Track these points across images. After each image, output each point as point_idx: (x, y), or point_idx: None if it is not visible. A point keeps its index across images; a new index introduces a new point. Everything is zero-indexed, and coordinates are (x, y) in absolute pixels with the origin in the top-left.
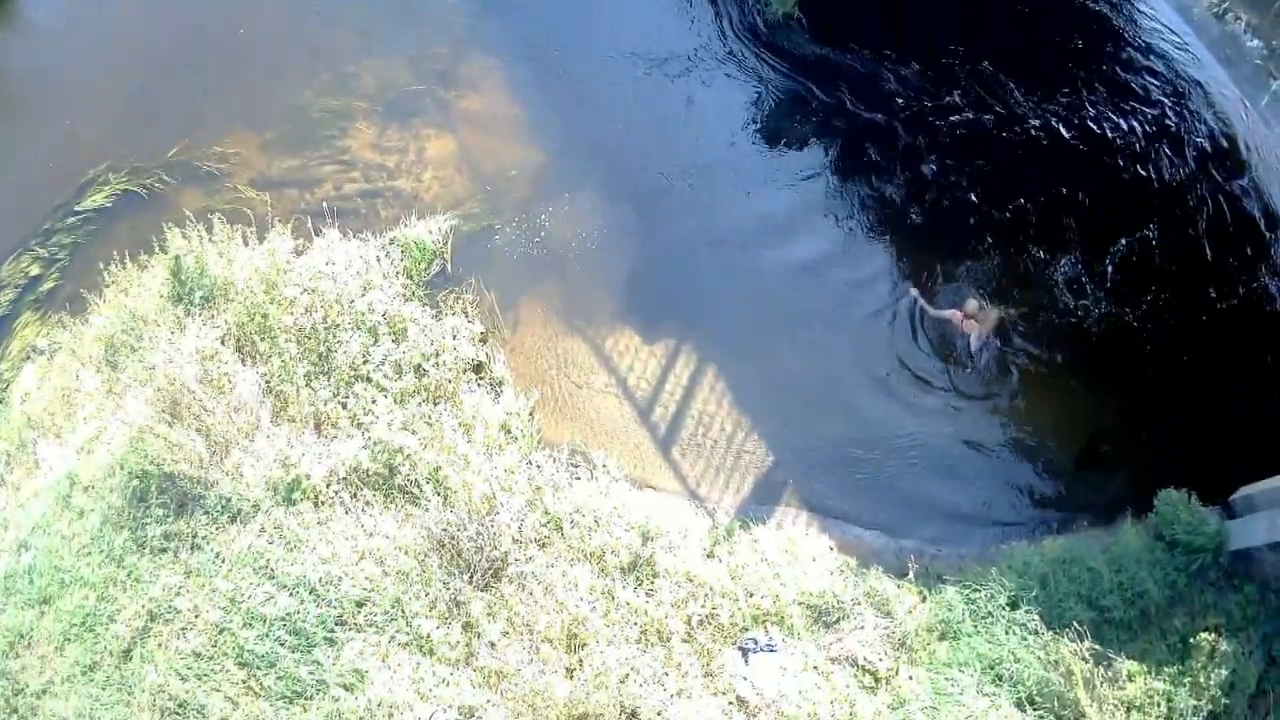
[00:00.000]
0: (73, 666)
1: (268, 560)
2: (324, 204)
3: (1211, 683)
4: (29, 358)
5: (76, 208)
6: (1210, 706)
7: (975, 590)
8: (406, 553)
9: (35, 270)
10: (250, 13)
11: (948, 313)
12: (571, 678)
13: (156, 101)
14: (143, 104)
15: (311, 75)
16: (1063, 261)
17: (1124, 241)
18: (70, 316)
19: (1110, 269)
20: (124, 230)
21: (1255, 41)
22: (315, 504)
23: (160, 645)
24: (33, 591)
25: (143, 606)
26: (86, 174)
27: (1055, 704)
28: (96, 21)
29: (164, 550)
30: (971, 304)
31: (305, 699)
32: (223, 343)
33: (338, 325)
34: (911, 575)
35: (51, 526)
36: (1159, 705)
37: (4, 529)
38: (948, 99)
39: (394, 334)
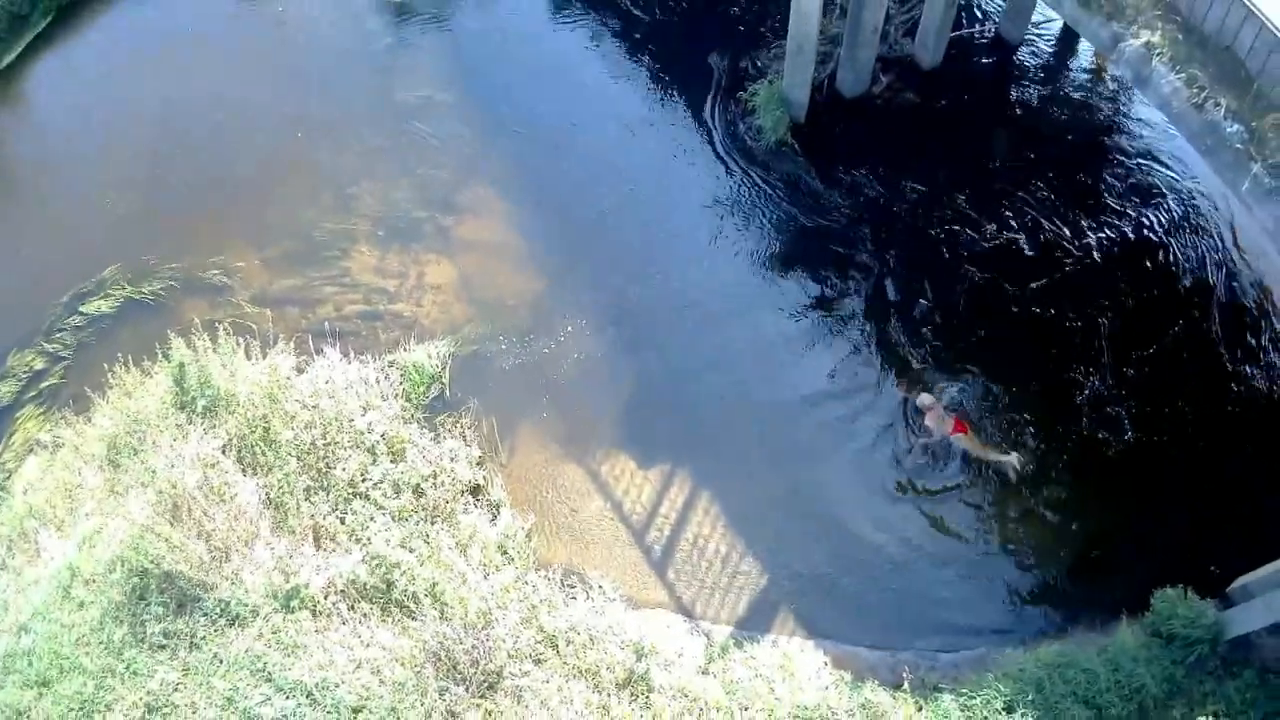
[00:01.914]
0: None
1: (265, 664)
2: (325, 323)
3: None
4: (32, 450)
5: (81, 309)
6: None
7: (971, 698)
8: (403, 664)
9: (39, 365)
10: (255, 133)
11: (930, 424)
12: None
13: (162, 209)
14: (149, 210)
15: (314, 196)
16: (1057, 372)
17: (1118, 350)
18: (74, 414)
19: (1101, 378)
20: (127, 334)
21: (1235, 126)
22: (313, 613)
23: None
24: (31, 673)
25: (140, 699)
26: (93, 275)
27: None
28: (105, 120)
29: (163, 647)
30: (924, 398)
31: None
32: (224, 452)
33: (337, 443)
34: (907, 686)
35: (51, 614)
36: None
37: (4, 611)
38: (943, 214)
39: (392, 454)
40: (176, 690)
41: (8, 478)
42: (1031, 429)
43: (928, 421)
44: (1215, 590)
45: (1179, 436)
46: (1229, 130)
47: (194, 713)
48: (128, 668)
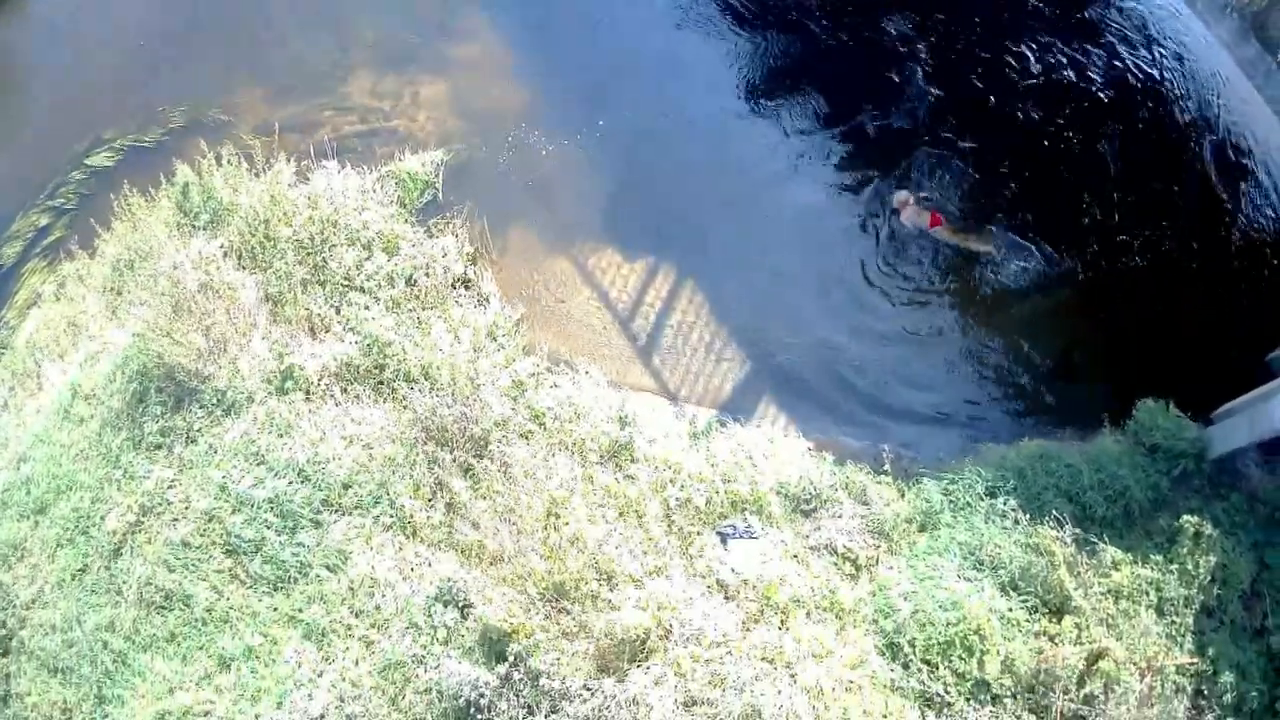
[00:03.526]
0: (63, 572)
1: (259, 447)
2: (324, 142)
3: (1200, 570)
4: (36, 303)
5: (86, 162)
6: (1202, 597)
7: (953, 483)
8: (394, 441)
9: (44, 221)
10: None
11: (906, 220)
12: (549, 548)
13: (161, 60)
14: (147, 62)
15: (311, 31)
16: (1059, 190)
17: (1124, 175)
18: (79, 249)
19: (1105, 201)
20: (132, 179)
21: None
22: (307, 395)
23: (149, 539)
24: (29, 502)
25: (135, 501)
26: (95, 131)
27: (1039, 588)
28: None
29: (159, 446)
30: (900, 194)
31: (289, 584)
32: (224, 256)
33: (332, 241)
34: (889, 468)
35: (52, 437)
36: (1148, 594)
37: (4, 447)
38: (929, 41)
39: (387, 249)
40: (171, 487)
41: (11, 334)
42: (1033, 234)
43: (904, 217)
44: (1205, 411)
45: (1180, 268)
46: None
47: (187, 507)
48: (125, 473)
